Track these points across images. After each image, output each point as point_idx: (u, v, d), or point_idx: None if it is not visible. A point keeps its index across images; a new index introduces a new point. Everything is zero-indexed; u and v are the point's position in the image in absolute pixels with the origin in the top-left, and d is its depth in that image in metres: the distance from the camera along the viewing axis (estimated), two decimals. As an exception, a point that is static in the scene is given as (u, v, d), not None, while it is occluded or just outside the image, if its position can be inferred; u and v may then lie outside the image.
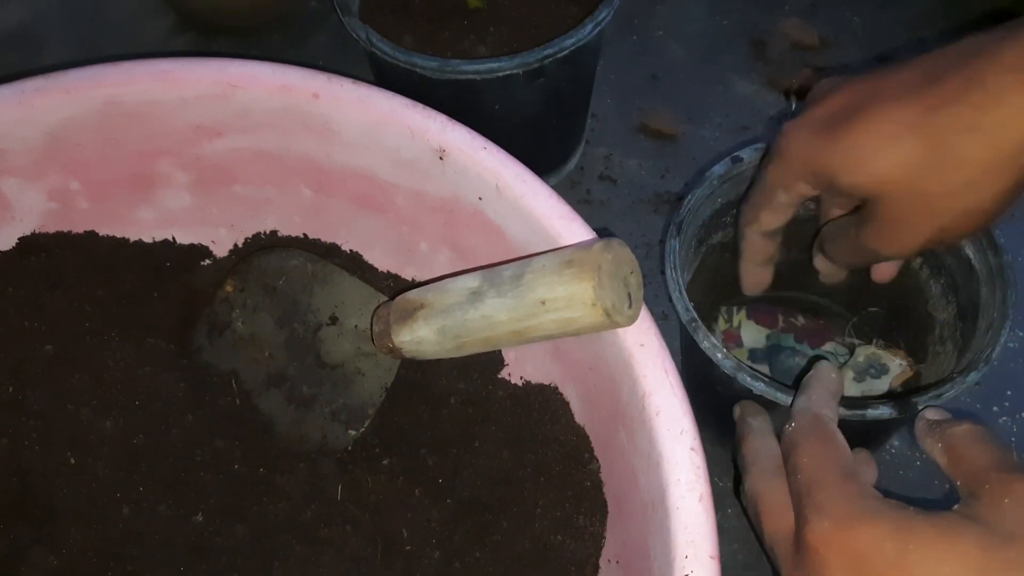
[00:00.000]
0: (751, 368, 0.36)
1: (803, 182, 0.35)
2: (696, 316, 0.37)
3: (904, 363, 0.41)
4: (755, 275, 0.41)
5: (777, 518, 0.32)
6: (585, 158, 0.56)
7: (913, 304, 0.43)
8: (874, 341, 0.44)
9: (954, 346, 0.40)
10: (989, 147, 0.30)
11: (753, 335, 0.48)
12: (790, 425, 0.34)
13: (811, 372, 0.36)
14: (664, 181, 0.55)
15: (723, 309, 0.49)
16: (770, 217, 0.38)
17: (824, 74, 0.59)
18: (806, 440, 0.32)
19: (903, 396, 0.35)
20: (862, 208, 0.35)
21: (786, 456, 0.33)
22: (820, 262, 0.40)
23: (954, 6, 0.63)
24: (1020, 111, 0.29)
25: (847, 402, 0.35)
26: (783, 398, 0.36)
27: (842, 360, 0.42)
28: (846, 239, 0.36)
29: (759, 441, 0.35)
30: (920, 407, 0.35)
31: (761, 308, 0.48)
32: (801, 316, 0.48)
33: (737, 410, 0.38)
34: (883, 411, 0.35)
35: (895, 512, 0.28)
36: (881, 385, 0.43)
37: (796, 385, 0.36)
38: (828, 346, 0.46)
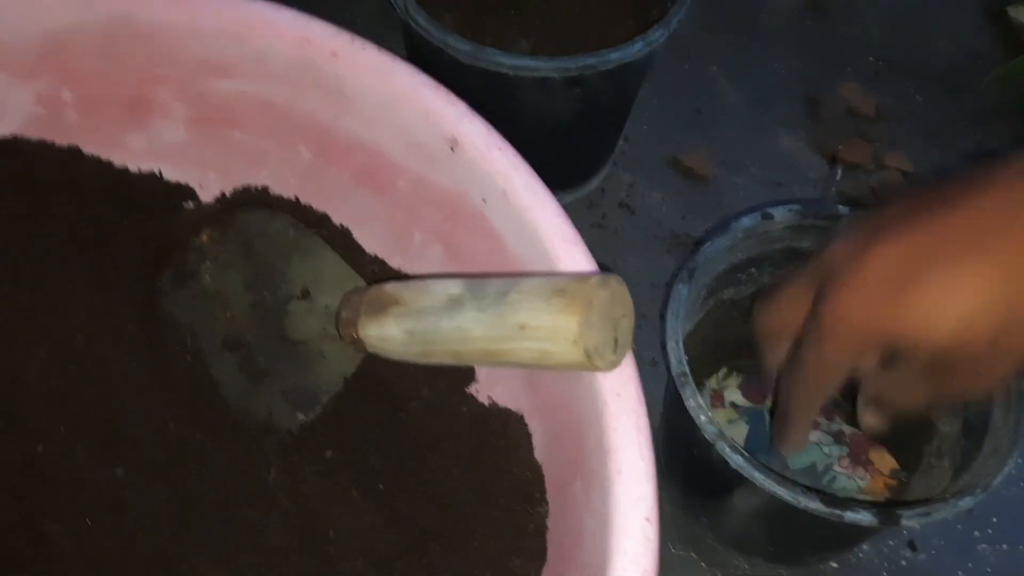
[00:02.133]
0: (732, 441, 0.34)
1: (871, 351, 0.32)
2: (688, 371, 0.35)
3: (866, 480, 0.38)
4: (802, 438, 0.37)
5: None
6: (608, 181, 0.54)
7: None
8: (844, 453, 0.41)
9: (951, 463, 0.38)
10: None
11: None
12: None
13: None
14: (684, 222, 0.53)
15: (719, 370, 0.46)
16: (835, 387, 0.34)
17: (875, 148, 0.57)
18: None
19: (888, 506, 0.33)
20: (925, 362, 0.32)
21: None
22: (871, 417, 0.36)
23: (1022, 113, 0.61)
24: None
25: (826, 499, 0.33)
26: (760, 478, 0.33)
27: (825, 451, 0.40)
28: (915, 394, 0.33)
29: None
30: (904, 521, 0.32)
31: (755, 382, 0.46)
32: None
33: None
34: (863, 516, 0.33)
35: None
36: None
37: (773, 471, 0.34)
38: (814, 435, 0.44)
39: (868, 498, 0.40)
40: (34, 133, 0.39)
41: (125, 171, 0.41)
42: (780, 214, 0.38)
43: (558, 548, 0.32)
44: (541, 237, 0.32)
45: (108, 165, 0.40)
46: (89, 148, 0.40)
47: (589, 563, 0.28)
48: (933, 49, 0.63)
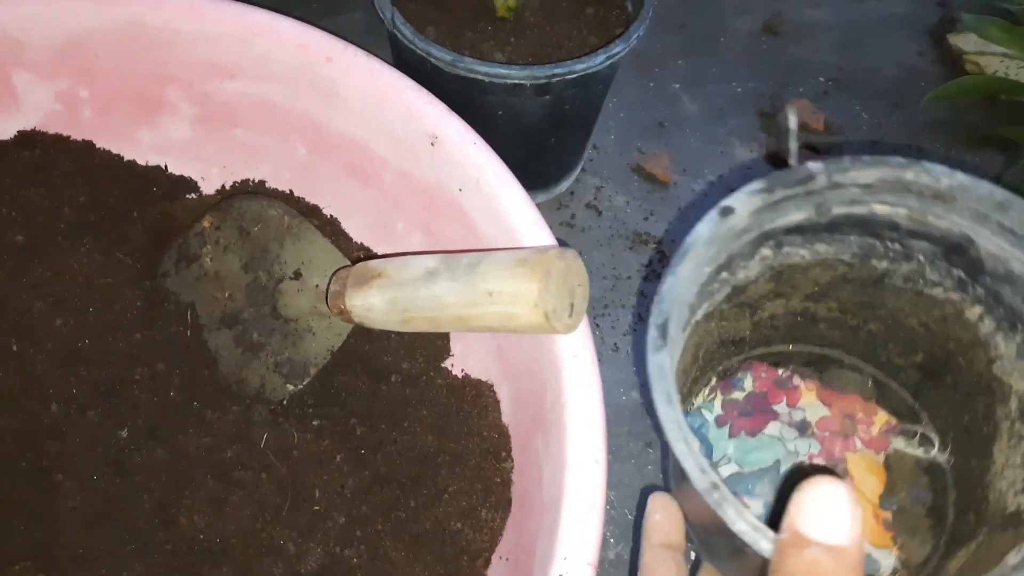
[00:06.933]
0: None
1: None
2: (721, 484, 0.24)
3: (900, 562, 0.30)
4: None
5: None
6: (577, 185, 0.58)
7: (969, 362, 0.31)
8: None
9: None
10: None
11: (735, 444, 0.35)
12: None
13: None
14: (647, 223, 0.57)
15: (705, 388, 0.37)
16: None
17: (819, 157, 0.61)
18: None
19: None
20: None
21: None
22: None
23: (961, 126, 0.66)
24: None
25: None
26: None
27: (789, 447, 0.33)
28: None
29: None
30: None
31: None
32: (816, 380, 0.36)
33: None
34: None
35: None
36: None
37: None
38: (774, 427, 0.35)
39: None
40: (52, 127, 0.42)
41: (133, 164, 0.44)
42: (740, 202, 0.29)
43: (521, 497, 0.36)
44: (509, 219, 0.35)
45: (118, 158, 0.44)
46: (101, 142, 0.43)
47: (546, 504, 0.31)
48: (878, 70, 0.68)
